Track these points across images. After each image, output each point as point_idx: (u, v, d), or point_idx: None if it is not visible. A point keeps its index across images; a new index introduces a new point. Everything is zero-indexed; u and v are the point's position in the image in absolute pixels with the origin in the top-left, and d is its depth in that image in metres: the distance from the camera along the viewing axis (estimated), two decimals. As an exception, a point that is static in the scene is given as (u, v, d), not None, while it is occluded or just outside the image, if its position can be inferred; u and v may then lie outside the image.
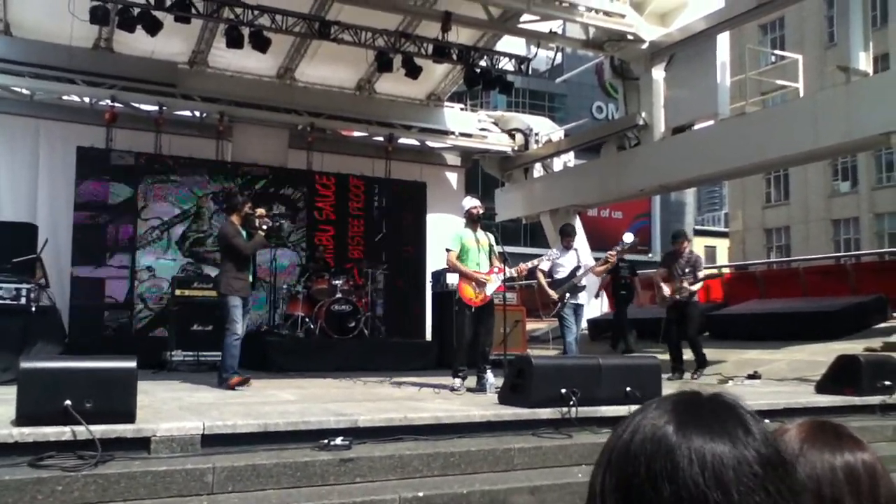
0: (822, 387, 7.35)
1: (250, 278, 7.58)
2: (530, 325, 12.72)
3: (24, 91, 12.09)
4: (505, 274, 7.54)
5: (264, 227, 7.59)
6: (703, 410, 0.82)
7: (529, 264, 8.09)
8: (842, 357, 7.48)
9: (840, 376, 7.19)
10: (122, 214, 11.81)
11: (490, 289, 7.39)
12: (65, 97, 12.42)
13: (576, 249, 8.79)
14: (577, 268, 8.67)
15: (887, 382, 7.02)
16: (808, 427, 1.14)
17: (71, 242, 11.35)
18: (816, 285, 13.35)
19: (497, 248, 7.66)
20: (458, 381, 7.26)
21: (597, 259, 9.23)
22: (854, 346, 9.46)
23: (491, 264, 7.52)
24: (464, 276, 7.40)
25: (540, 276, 8.55)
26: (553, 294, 8.46)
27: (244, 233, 7.50)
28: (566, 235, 8.90)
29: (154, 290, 11.79)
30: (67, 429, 4.02)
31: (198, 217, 12.34)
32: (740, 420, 0.81)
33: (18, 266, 7.71)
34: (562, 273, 8.65)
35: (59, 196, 11.77)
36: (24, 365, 4.25)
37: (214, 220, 12.30)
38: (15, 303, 7.22)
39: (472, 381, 7.34)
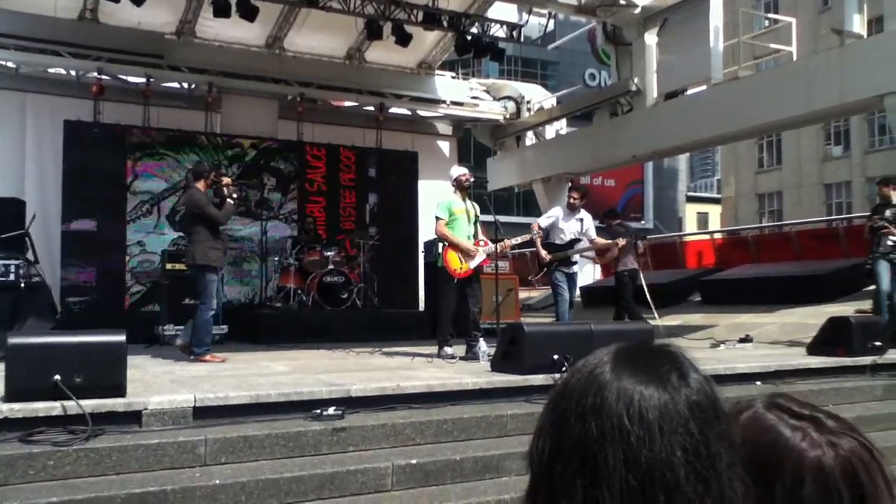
0: (814, 348, 7.40)
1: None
2: (523, 294, 12.74)
3: (10, 64, 11.91)
4: (491, 247, 7.52)
5: (234, 195, 7.46)
6: (641, 356, 0.85)
7: (514, 240, 8.07)
8: (833, 319, 7.53)
9: (831, 338, 7.24)
10: (111, 189, 11.72)
11: (475, 262, 7.36)
12: (51, 70, 12.24)
13: (581, 219, 8.68)
14: (577, 240, 8.59)
15: (878, 343, 7.09)
16: (794, 418, 1.02)
17: (60, 217, 11.28)
18: (808, 249, 13.39)
19: (483, 217, 7.64)
20: (448, 349, 7.28)
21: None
22: (845, 309, 9.51)
23: (476, 236, 7.49)
24: (452, 245, 7.35)
25: (537, 231, 8.41)
26: (546, 256, 8.43)
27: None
28: (575, 195, 8.74)
29: (145, 264, 11.75)
30: (57, 404, 4.01)
31: (187, 190, 12.25)
32: (677, 367, 0.83)
33: (7, 242, 7.65)
34: (560, 239, 8.58)
35: (47, 171, 11.67)
36: (13, 340, 4.22)
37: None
38: (4, 279, 7.18)
39: (462, 349, 7.35)
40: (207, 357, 7.03)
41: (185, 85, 13.22)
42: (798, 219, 24.16)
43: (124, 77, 12.53)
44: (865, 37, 10.19)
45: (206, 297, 7.16)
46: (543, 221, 8.74)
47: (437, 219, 7.48)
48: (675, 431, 0.77)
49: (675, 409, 0.79)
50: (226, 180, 7.60)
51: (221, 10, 10.95)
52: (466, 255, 7.32)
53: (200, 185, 7.36)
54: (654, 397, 0.79)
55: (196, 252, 7.13)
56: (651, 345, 0.88)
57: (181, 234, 11.94)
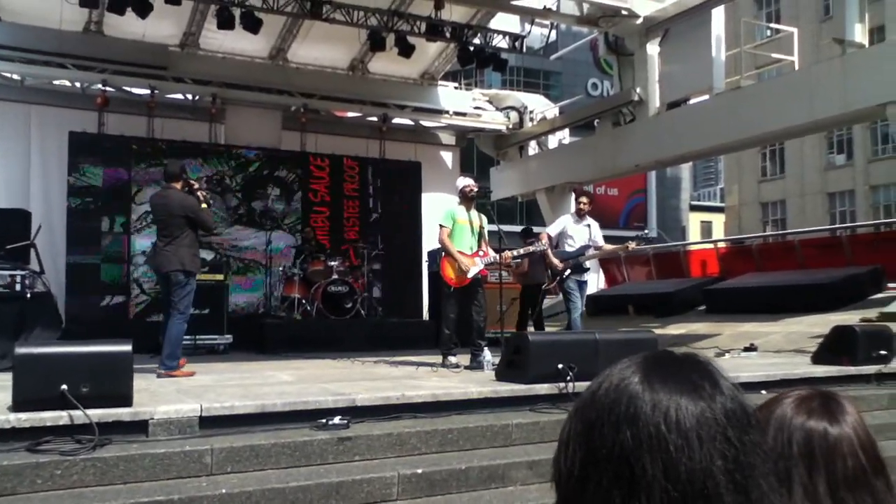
0: (819, 357, 7.37)
1: None
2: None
3: (15, 76, 12.02)
4: (489, 258, 7.52)
5: (210, 202, 7.12)
6: (670, 365, 0.83)
7: (515, 252, 8.06)
8: (838, 328, 7.50)
9: (836, 347, 7.21)
10: (115, 199, 11.78)
11: (472, 272, 7.36)
12: (56, 82, 12.34)
13: (588, 226, 8.56)
14: (587, 246, 8.47)
15: (883, 352, 7.06)
16: (799, 394, 1.16)
17: (65, 228, 11.33)
18: (812, 258, 13.37)
19: (489, 228, 7.66)
20: (452, 358, 7.28)
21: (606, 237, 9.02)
22: (850, 317, 9.49)
23: (478, 246, 7.49)
24: (449, 254, 7.38)
25: (546, 240, 8.31)
26: (558, 264, 8.29)
27: None
28: (575, 201, 8.63)
29: (149, 274, 11.77)
30: (64, 413, 4.02)
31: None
32: (707, 375, 0.82)
33: (12, 253, 7.68)
34: (570, 246, 8.44)
35: (53, 182, 11.74)
36: (20, 351, 4.24)
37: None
38: (9, 290, 7.20)
39: (466, 359, 7.35)
40: (177, 372, 6.50)
41: (189, 96, 13.30)
42: (801, 227, 24.18)
43: (128, 89, 12.63)
44: (867, 46, 10.22)
45: (186, 305, 6.68)
46: (552, 230, 8.63)
47: (441, 227, 7.51)
48: (714, 439, 0.76)
49: (712, 418, 0.77)
50: (197, 184, 7.15)
51: (225, 23, 11.03)
52: (462, 265, 7.33)
53: (177, 185, 6.88)
54: (690, 406, 0.77)
55: (184, 257, 6.64)
56: (677, 353, 0.87)
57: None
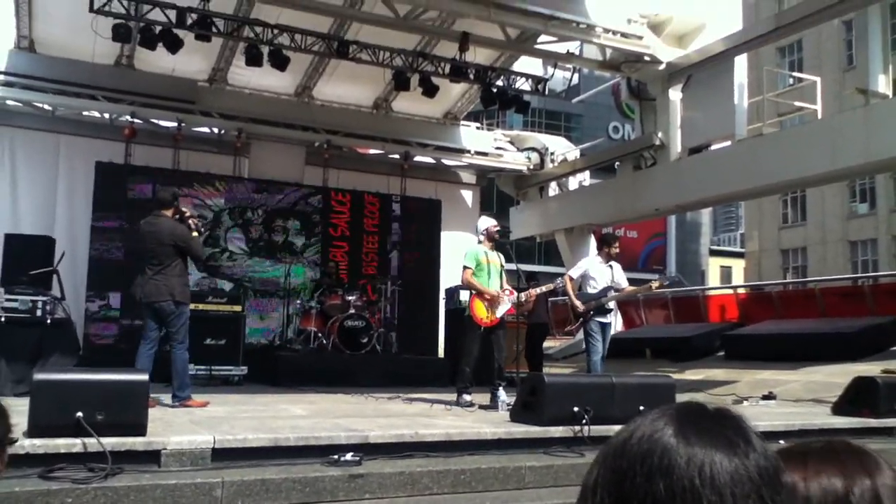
0: (839, 408, 7.25)
1: None
2: (544, 343, 12.64)
3: (46, 107, 12.27)
4: (516, 297, 7.50)
5: (201, 229, 7.03)
6: (705, 419, 0.83)
7: (538, 290, 8.02)
8: (859, 378, 7.37)
9: (857, 398, 7.09)
10: (138, 227, 11.89)
11: (501, 311, 7.34)
12: (85, 113, 12.59)
13: (611, 266, 8.38)
14: (610, 288, 8.28)
15: (905, 405, 6.93)
16: (829, 450, 1.11)
17: (88, 255, 11.46)
18: (833, 306, 13.20)
19: (507, 266, 7.64)
20: (467, 397, 7.23)
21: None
22: (871, 368, 9.33)
23: (501, 286, 7.48)
24: (479, 294, 7.33)
25: (569, 284, 8.24)
26: (580, 306, 8.14)
27: None
28: (607, 245, 8.43)
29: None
30: (78, 441, 4.03)
31: (213, 233, 12.40)
32: (741, 431, 0.82)
33: (35, 278, 7.78)
34: (593, 288, 8.27)
35: (78, 210, 11.93)
36: (38, 377, 4.27)
37: (230, 235, 12.45)
38: (30, 315, 7.28)
39: (481, 398, 7.30)
40: (191, 402, 6.50)
41: (215, 130, 13.51)
42: (822, 275, 23.94)
43: (156, 121, 12.85)
44: (890, 96, 10.22)
45: (185, 335, 6.65)
46: (574, 272, 8.47)
47: (465, 268, 7.45)
48: (748, 497, 0.75)
49: (746, 475, 0.77)
50: (188, 212, 7.04)
51: (254, 60, 11.23)
52: (493, 303, 7.31)
53: (168, 213, 6.73)
54: (725, 462, 0.77)
55: (174, 287, 6.53)
56: (710, 407, 0.86)
57: (205, 274, 12.00)
